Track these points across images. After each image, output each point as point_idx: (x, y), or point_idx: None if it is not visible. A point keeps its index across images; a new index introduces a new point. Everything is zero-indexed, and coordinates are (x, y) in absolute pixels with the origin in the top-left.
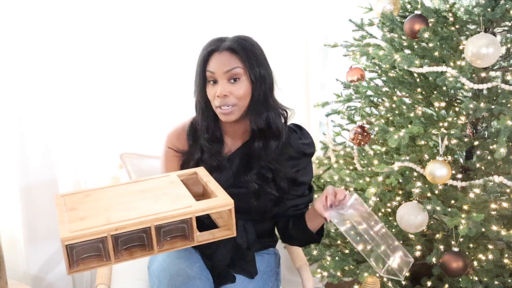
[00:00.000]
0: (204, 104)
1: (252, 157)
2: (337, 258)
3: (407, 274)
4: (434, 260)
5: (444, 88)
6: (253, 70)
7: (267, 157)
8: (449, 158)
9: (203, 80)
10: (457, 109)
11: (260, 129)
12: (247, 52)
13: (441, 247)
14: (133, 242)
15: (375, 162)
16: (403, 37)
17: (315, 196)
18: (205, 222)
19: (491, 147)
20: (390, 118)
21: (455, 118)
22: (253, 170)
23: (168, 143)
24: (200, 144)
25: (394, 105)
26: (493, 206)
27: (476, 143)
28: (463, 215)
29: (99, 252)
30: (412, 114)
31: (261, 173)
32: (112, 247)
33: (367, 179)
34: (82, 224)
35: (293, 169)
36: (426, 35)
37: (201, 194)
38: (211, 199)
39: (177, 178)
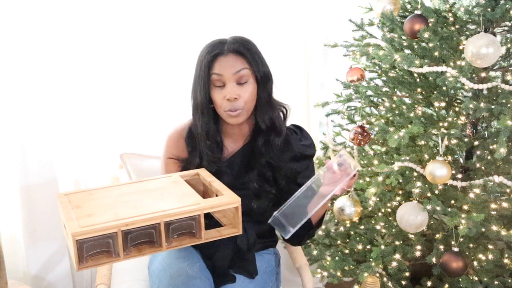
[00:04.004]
0: (206, 108)
1: (253, 156)
2: (337, 258)
3: (407, 274)
4: (434, 260)
5: (444, 88)
6: (258, 70)
7: (269, 153)
8: (449, 158)
9: (207, 83)
10: (457, 109)
11: (266, 127)
12: (251, 53)
13: (441, 247)
14: (141, 239)
15: (375, 162)
16: (403, 37)
17: None
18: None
19: (491, 147)
20: (390, 118)
21: (455, 118)
22: (254, 170)
23: (168, 151)
24: (198, 150)
25: (394, 105)
26: (493, 206)
27: (476, 143)
28: (463, 215)
29: (108, 248)
30: (412, 114)
31: (261, 172)
32: (121, 243)
33: (367, 179)
34: (90, 220)
35: (293, 171)
36: (426, 35)
37: (203, 195)
38: (219, 197)
39: (180, 178)
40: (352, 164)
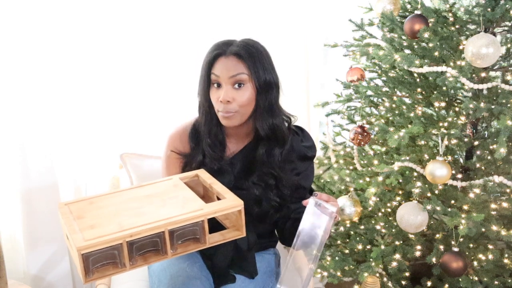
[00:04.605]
0: (207, 107)
1: (254, 161)
2: (337, 258)
3: (407, 274)
4: (434, 260)
5: (444, 88)
6: (258, 78)
7: (270, 164)
8: (449, 158)
9: (207, 82)
10: (457, 109)
11: (265, 135)
12: (253, 58)
13: (441, 247)
14: (146, 248)
15: (375, 162)
16: (403, 37)
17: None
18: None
19: (491, 147)
20: (390, 118)
21: (455, 118)
22: (255, 173)
23: (170, 145)
24: (202, 147)
25: (394, 105)
26: (493, 206)
27: (476, 143)
28: (463, 215)
29: (114, 259)
30: (412, 114)
31: (263, 178)
32: (127, 254)
33: (367, 179)
34: (94, 232)
35: (293, 171)
36: (426, 35)
37: (203, 197)
38: (221, 201)
39: (180, 181)
40: (327, 207)
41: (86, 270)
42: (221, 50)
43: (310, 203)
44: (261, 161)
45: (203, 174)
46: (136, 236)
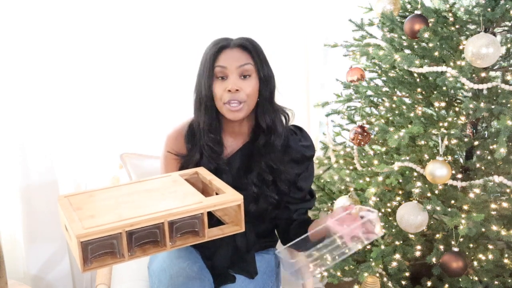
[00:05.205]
0: (209, 102)
1: (253, 157)
2: None
3: (407, 274)
4: (434, 260)
5: (444, 88)
6: (262, 68)
7: (269, 155)
8: (449, 158)
9: (211, 76)
10: (457, 109)
11: (267, 126)
12: (257, 50)
13: (441, 247)
14: (145, 239)
15: (375, 162)
16: (403, 37)
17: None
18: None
19: (491, 147)
20: (390, 118)
21: (455, 118)
22: (253, 172)
23: (167, 147)
24: (199, 146)
25: (394, 105)
26: (493, 206)
27: (476, 143)
28: (463, 215)
29: (113, 249)
30: (412, 114)
31: (261, 175)
32: (126, 244)
33: (367, 179)
34: (94, 221)
35: (292, 170)
36: (426, 35)
37: (202, 193)
38: (221, 195)
39: (179, 177)
40: (377, 227)
41: (84, 259)
42: (226, 43)
43: (362, 210)
44: (260, 153)
45: (202, 171)
46: (135, 226)
